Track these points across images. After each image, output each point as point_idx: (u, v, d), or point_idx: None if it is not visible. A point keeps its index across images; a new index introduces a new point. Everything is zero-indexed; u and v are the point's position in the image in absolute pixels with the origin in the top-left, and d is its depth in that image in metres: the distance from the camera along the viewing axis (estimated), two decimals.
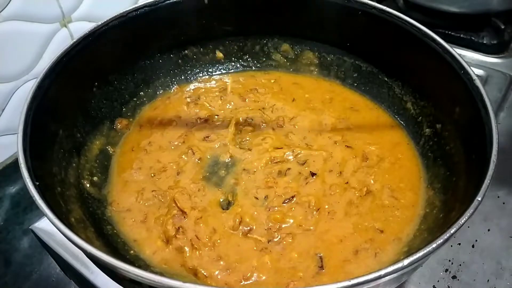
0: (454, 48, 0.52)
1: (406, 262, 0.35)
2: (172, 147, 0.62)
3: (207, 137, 0.63)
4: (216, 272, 0.48)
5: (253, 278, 0.48)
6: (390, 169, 0.58)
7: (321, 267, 0.48)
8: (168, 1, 0.62)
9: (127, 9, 0.59)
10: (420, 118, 0.61)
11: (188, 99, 0.69)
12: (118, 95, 0.64)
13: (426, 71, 0.58)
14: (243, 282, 0.48)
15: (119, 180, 0.59)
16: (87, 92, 0.59)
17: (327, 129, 0.64)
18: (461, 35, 0.87)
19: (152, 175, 0.58)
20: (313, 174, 0.57)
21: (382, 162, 0.59)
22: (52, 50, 0.67)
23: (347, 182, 0.57)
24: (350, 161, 0.59)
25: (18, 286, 0.67)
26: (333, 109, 0.67)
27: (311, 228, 0.52)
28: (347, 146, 0.61)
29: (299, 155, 0.60)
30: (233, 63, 0.74)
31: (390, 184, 0.56)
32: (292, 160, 0.59)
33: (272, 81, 0.73)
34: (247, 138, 0.63)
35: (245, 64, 0.74)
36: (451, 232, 0.37)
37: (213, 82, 0.73)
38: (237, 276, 0.48)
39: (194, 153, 0.60)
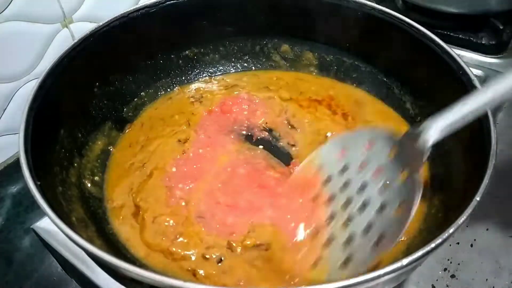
0: (452, 49, 0.53)
1: (405, 261, 0.35)
2: (172, 143, 0.62)
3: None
4: (214, 272, 0.48)
5: None
6: None
7: None
8: (169, 2, 0.62)
9: (128, 10, 0.59)
10: (419, 118, 0.61)
11: (192, 99, 0.69)
12: (119, 95, 0.64)
13: (425, 72, 0.58)
14: (241, 282, 0.48)
15: (114, 176, 0.58)
16: (88, 92, 0.59)
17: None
18: (460, 36, 0.87)
19: (149, 172, 0.58)
20: None
21: None
22: (53, 50, 0.67)
23: None
24: None
25: (19, 285, 0.67)
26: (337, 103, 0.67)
27: None
28: None
29: None
30: (233, 64, 0.74)
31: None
32: None
33: (275, 78, 0.73)
34: None
35: (245, 64, 0.74)
36: (450, 231, 0.37)
37: (215, 82, 0.73)
38: None
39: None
